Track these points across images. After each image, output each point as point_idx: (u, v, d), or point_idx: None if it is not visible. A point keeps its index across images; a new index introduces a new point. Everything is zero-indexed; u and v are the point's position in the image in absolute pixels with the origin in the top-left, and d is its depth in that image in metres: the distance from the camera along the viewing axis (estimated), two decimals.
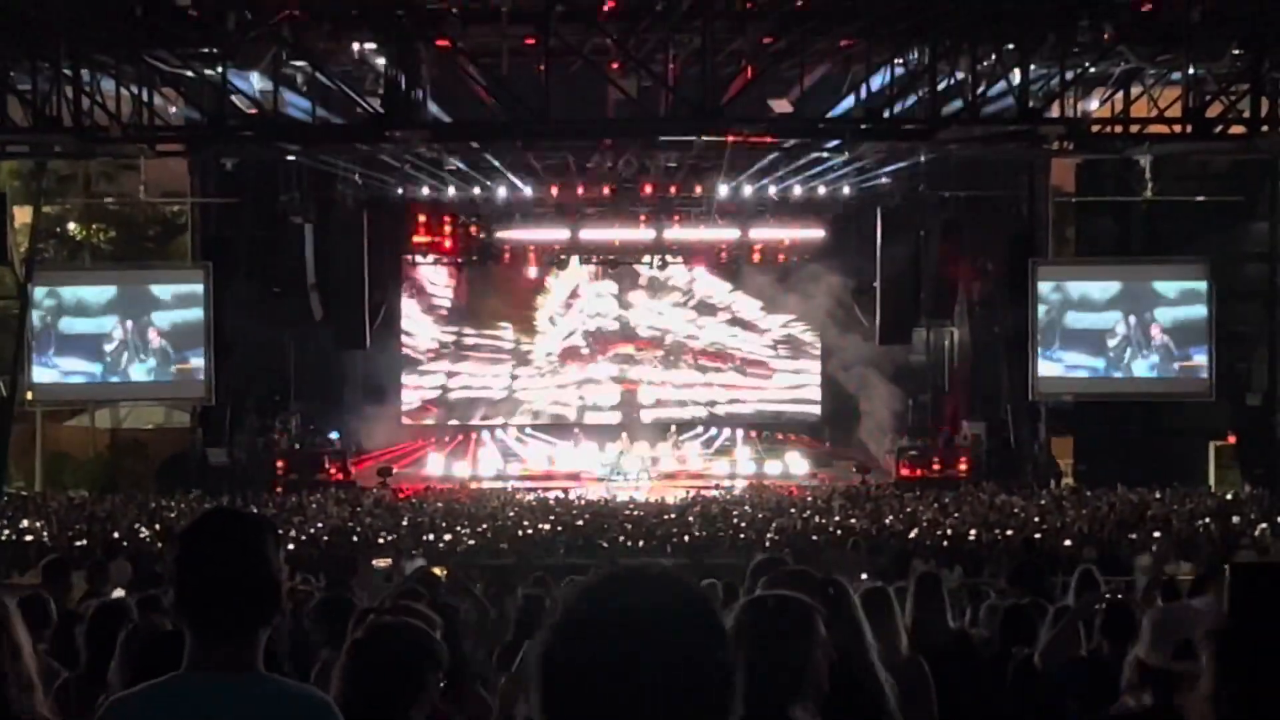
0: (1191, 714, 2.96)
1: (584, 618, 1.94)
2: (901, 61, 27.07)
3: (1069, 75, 26.33)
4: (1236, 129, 26.77)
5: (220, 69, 25.99)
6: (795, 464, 41.45)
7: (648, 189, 37.69)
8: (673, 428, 42.35)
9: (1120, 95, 28.85)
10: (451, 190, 37.15)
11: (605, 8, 26.98)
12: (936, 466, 38.56)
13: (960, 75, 26.50)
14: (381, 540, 25.44)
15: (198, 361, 35.75)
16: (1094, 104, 29.79)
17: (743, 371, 43.59)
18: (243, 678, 3.63)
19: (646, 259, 42.14)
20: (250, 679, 3.65)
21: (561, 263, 42.00)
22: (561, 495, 34.83)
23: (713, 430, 43.02)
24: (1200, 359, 35.71)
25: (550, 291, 43.13)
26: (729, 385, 43.58)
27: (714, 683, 1.88)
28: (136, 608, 8.70)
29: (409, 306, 42.64)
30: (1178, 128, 26.74)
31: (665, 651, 1.86)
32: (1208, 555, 20.93)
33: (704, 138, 29.50)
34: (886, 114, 26.95)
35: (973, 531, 25.65)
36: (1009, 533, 25.17)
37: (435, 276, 42.88)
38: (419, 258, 42.20)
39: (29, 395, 36.77)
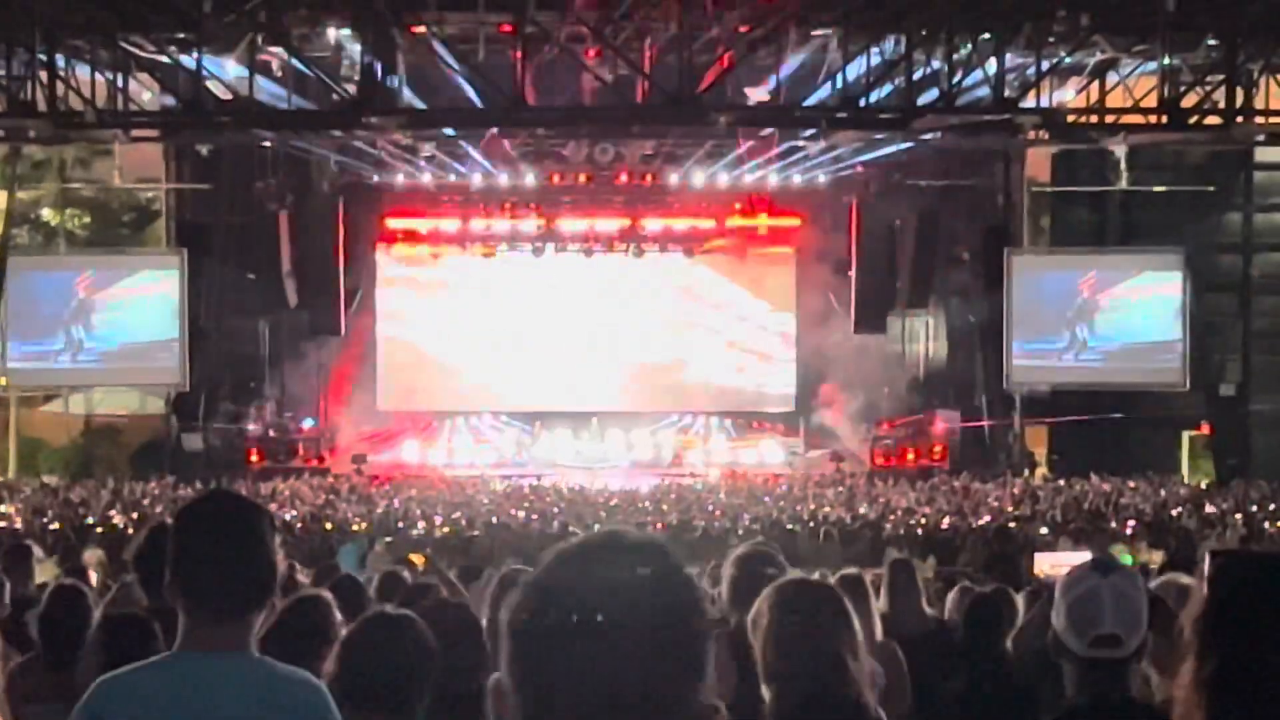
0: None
1: (556, 578, 1.92)
2: (878, 50, 27.06)
3: (1045, 65, 26.37)
4: (1212, 119, 26.83)
5: (195, 54, 25.89)
6: (770, 452, 41.44)
7: (623, 177, 37.59)
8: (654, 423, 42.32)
9: (1096, 85, 28.92)
10: (427, 177, 37.06)
11: None
12: (911, 455, 38.62)
13: (936, 64, 26.52)
14: (355, 527, 25.37)
15: (173, 347, 35.68)
16: (1069, 94, 29.84)
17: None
18: (235, 659, 3.65)
19: (622, 246, 41.93)
20: (243, 660, 3.67)
21: (538, 250, 41.73)
22: (535, 482, 34.76)
23: (687, 419, 42.89)
24: (1173, 348, 35.94)
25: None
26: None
27: (687, 651, 1.88)
28: (114, 594, 8.66)
29: (385, 293, 42.38)
30: (1153, 118, 26.80)
31: (637, 615, 1.84)
32: (1177, 544, 21.05)
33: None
34: (862, 103, 26.96)
35: (946, 520, 25.71)
36: (983, 521, 25.24)
37: (411, 262, 42.58)
38: (395, 244, 41.96)
39: (3, 380, 36.62)
